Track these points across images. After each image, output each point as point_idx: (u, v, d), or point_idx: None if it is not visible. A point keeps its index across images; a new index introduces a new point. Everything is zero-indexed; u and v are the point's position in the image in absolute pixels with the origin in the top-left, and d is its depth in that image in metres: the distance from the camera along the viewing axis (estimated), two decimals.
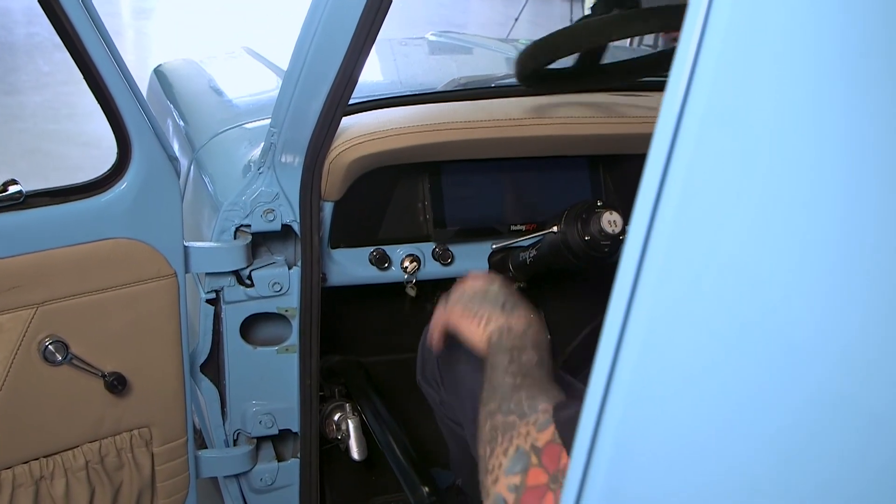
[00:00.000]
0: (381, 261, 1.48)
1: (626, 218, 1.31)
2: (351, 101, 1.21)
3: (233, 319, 1.36)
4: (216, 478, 1.54)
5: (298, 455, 1.48)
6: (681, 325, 0.46)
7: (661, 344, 0.47)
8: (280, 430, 1.46)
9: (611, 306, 0.47)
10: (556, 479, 0.73)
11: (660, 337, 0.47)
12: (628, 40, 7.34)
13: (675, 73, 0.44)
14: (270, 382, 1.42)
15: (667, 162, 0.45)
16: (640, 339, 0.47)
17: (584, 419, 0.49)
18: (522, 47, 1.27)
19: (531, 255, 1.46)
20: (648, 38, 7.30)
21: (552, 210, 1.40)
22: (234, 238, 1.31)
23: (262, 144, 1.32)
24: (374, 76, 1.99)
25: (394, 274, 1.50)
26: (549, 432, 0.76)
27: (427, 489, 1.36)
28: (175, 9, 9.39)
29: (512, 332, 0.97)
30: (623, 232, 1.31)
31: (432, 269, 1.51)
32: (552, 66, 1.26)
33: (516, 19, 6.83)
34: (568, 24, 1.24)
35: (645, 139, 1.64)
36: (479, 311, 1.03)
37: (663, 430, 0.48)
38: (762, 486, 0.45)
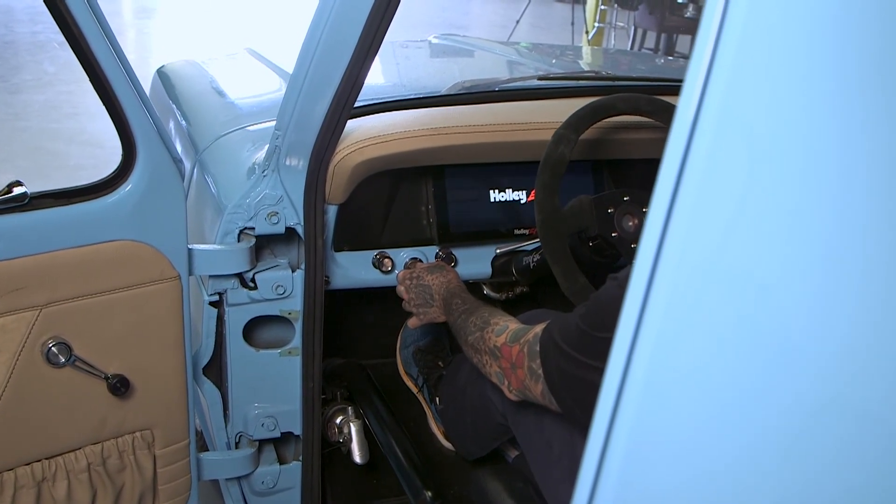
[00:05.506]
0: (384, 264, 1.47)
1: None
2: (355, 105, 1.21)
3: (236, 322, 1.35)
4: (218, 480, 1.54)
5: (300, 458, 1.47)
6: (691, 328, 0.47)
7: (672, 346, 0.47)
8: (282, 433, 1.45)
9: (624, 309, 0.47)
10: (514, 366, 1.04)
11: (671, 338, 0.47)
12: (629, 42, 7.36)
13: (688, 82, 0.44)
14: (273, 385, 1.41)
15: (681, 169, 0.45)
16: (652, 339, 0.47)
17: (597, 420, 0.49)
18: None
19: (534, 259, 1.46)
20: (650, 42, 7.33)
21: None
22: (238, 240, 1.31)
23: (267, 147, 1.32)
24: (376, 79, 1.98)
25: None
26: (504, 337, 1.08)
27: (430, 493, 1.36)
28: (176, 8, 9.40)
29: (446, 290, 1.35)
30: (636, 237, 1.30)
31: None
32: None
33: (517, 22, 6.85)
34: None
35: (647, 144, 1.64)
36: (420, 301, 1.41)
37: (673, 431, 0.49)
38: (764, 485, 0.46)
